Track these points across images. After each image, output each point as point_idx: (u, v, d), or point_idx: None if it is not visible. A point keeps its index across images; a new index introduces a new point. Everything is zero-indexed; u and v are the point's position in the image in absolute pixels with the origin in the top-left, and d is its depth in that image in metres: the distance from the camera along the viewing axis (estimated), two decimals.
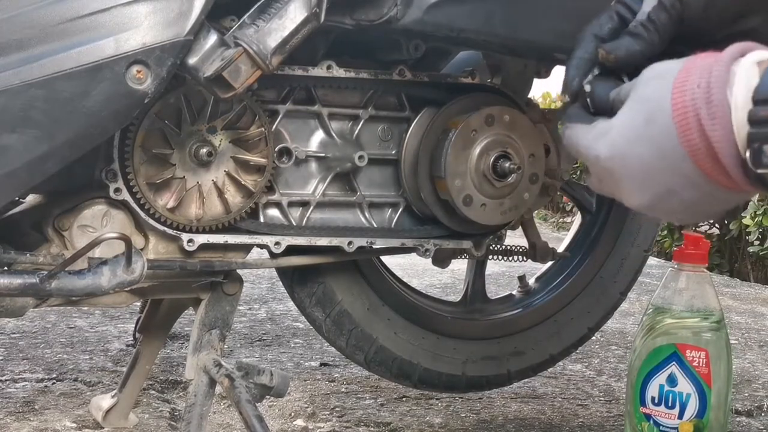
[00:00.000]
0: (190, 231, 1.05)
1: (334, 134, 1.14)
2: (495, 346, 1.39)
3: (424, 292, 1.44)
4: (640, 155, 0.72)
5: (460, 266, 1.43)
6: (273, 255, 1.12)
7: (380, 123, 1.17)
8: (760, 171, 0.65)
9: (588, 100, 0.79)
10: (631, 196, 0.76)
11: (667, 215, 0.78)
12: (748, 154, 0.66)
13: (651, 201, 0.74)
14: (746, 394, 1.70)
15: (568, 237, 1.49)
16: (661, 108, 0.70)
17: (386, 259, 1.35)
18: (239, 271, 1.11)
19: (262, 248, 1.13)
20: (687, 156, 0.69)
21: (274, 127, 1.10)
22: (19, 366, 1.62)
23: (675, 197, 0.72)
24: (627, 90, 0.75)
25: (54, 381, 1.55)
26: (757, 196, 3.30)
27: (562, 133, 0.82)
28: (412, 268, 2.81)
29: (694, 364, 1.09)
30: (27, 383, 1.52)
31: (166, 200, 1.03)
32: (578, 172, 4.05)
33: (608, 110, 0.78)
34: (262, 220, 1.11)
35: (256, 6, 0.92)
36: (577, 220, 1.50)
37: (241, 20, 0.91)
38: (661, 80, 0.71)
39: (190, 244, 1.05)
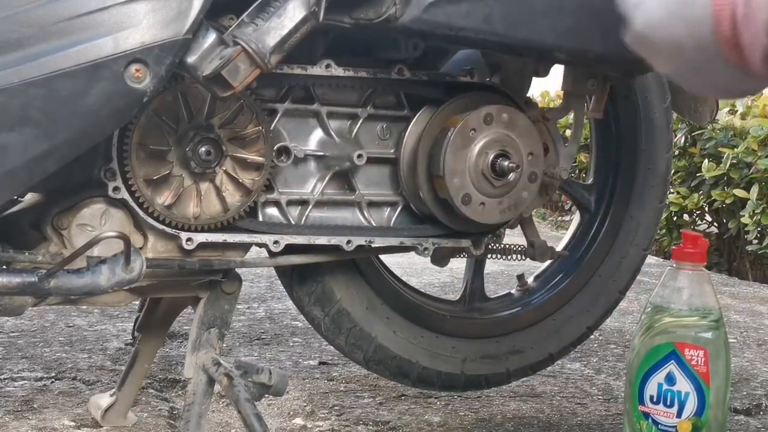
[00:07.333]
0: (189, 230, 1.05)
1: (332, 133, 1.14)
2: (494, 344, 1.39)
3: (422, 290, 1.44)
4: (672, 32, 0.80)
5: (458, 265, 1.43)
6: (272, 254, 1.12)
7: (379, 122, 1.17)
8: None
9: None
10: (658, 63, 0.87)
11: (688, 85, 0.89)
12: None
13: (676, 72, 0.85)
14: (745, 393, 1.70)
15: (566, 235, 1.49)
16: None
17: (385, 258, 1.34)
18: (238, 270, 1.11)
19: (260, 247, 1.13)
20: (717, 43, 0.76)
21: (272, 125, 1.09)
22: (17, 365, 1.62)
23: (698, 74, 0.82)
24: None
25: (53, 380, 1.55)
26: (756, 195, 3.30)
27: None
28: (411, 267, 2.81)
29: (693, 362, 1.09)
30: (26, 382, 1.52)
31: (164, 198, 1.03)
32: (577, 171, 4.05)
33: None
34: (260, 218, 1.11)
35: (255, 4, 0.92)
36: (575, 218, 1.50)
37: (240, 19, 0.91)
38: None
39: (188, 242, 1.05)
